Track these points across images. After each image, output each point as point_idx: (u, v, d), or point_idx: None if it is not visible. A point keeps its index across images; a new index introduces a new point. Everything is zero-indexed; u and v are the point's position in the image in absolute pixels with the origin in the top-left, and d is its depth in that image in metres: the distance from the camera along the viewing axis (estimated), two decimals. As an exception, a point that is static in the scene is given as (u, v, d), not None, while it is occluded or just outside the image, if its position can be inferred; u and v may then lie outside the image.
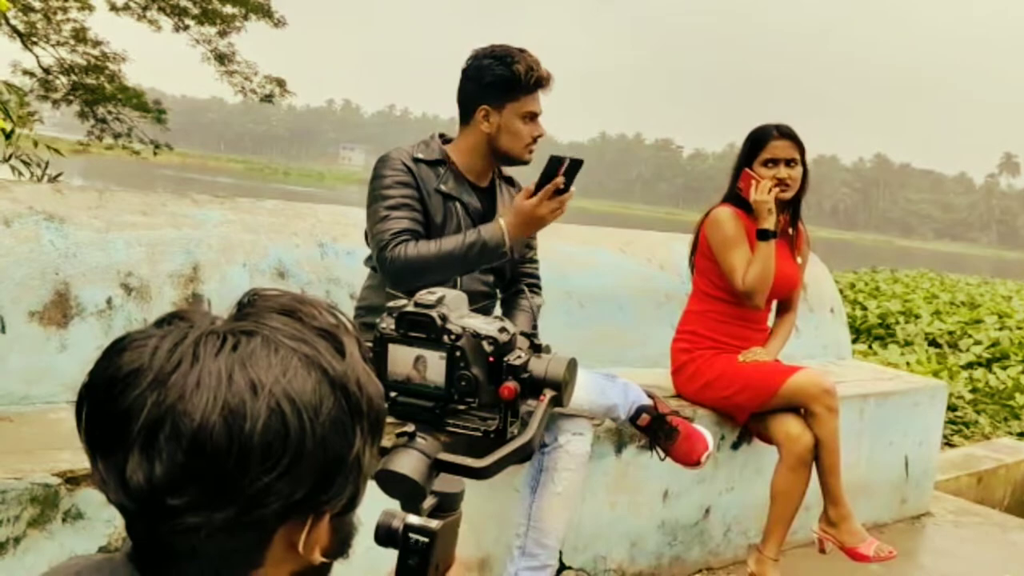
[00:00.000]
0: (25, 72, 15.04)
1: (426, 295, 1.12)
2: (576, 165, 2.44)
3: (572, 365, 1.13)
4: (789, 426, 3.12)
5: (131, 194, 2.97)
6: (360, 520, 0.89)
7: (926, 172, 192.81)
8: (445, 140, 2.76)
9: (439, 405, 1.11)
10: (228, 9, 15.49)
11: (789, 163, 3.24)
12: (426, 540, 0.99)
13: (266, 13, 15.60)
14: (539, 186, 2.47)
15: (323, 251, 3.10)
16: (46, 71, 15.16)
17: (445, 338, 1.09)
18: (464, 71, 2.69)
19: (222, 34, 15.84)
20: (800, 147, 3.26)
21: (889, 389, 4.14)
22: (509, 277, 2.87)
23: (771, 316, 3.45)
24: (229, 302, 0.85)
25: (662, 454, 2.82)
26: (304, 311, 0.82)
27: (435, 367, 1.10)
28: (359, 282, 2.85)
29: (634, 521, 3.18)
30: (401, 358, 1.11)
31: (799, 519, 3.19)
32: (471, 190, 2.70)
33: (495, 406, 1.11)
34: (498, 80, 2.61)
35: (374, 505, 0.98)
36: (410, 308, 1.11)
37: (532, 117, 2.66)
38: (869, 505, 3.94)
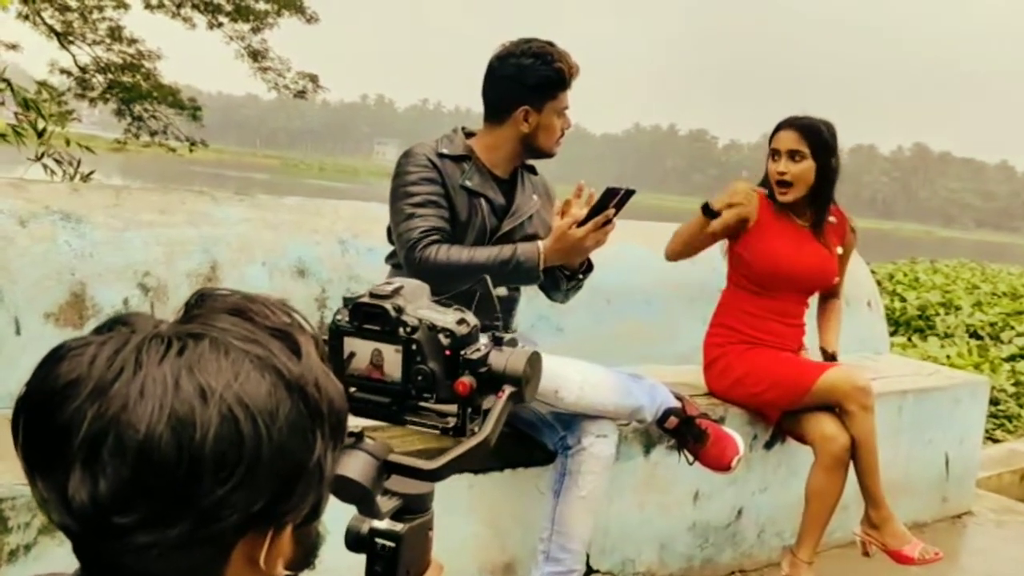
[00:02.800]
0: (62, 71, 15.22)
1: (383, 285, 1.06)
2: (628, 195, 2.39)
3: (534, 359, 1.06)
4: (824, 426, 3.02)
5: (149, 192, 2.95)
6: (326, 529, 0.84)
7: (966, 160, 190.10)
8: (467, 134, 2.70)
9: (396, 401, 1.06)
10: (261, 5, 15.57)
11: (793, 155, 3.11)
12: (392, 545, 0.95)
13: (298, 9, 15.64)
14: (590, 216, 2.41)
15: (344, 248, 3.05)
16: (83, 70, 15.32)
17: (400, 331, 1.03)
18: (496, 68, 2.60)
19: (255, 31, 15.92)
20: (811, 141, 3.09)
21: (929, 385, 4.02)
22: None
23: (807, 311, 3.33)
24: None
25: (690, 458, 2.73)
26: (255, 310, 0.77)
27: (392, 361, 1.04)
28: (381, 280, 2.79)
29: (664, 523, 3.10)
30: (358, 352, 1.06)
31: (836, 519, 3.09)
32: (495, 185, 2.64)
33: (454, 402, 1.05)
34: (543, 82, 2.56)
35: (345, 511, 0.94)
36: (365, 299, 1.05)
37: (564, 111, 2.64)
38: (909, 504, 3.83)
